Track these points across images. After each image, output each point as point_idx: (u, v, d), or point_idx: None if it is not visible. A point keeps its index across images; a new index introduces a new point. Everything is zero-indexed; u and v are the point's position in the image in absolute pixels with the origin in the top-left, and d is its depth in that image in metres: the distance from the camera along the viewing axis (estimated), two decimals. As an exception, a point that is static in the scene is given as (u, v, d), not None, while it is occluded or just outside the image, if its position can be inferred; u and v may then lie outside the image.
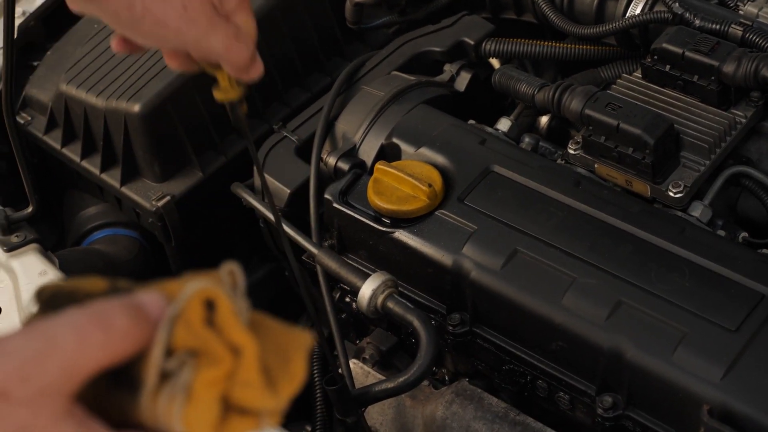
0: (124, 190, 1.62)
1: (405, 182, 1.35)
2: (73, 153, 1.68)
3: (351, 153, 1.46)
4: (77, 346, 0.65)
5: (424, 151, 1.40)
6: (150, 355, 0.68)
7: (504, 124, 1.49)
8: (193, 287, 0.69)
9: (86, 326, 0.66)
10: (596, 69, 1.57)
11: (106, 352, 0.66)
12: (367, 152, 1.45)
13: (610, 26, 1.51)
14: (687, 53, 1.36)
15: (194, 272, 0.71)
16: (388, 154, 1.44)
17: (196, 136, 1.60)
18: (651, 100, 1.38)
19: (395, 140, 1.44)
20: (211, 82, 1.59)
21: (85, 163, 1.67)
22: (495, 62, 1.63)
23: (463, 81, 1.58)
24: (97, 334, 0.66)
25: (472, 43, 1.59)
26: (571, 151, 1.38)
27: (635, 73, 1.43)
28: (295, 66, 1.71)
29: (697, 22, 1.43)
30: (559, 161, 1.43)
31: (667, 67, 1.38)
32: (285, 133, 1.54)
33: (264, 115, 1.67)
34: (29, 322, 0.69)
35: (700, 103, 1.36)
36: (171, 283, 0.71)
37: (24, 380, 0.64)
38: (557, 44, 1.57)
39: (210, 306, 0.69)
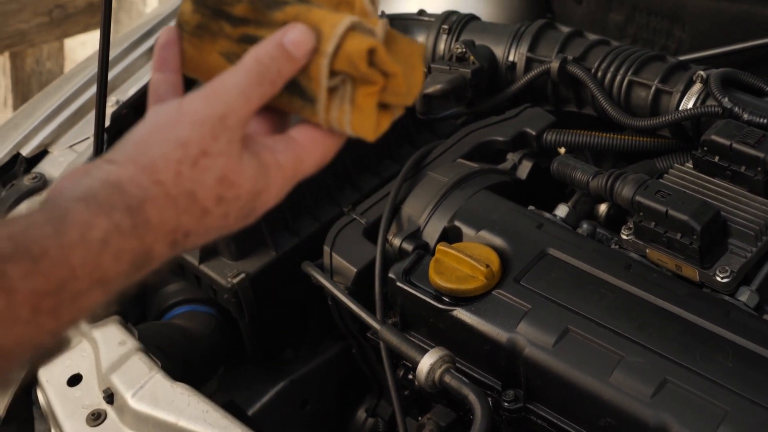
0: (203, 267, 1.71)
1: (465, 263, 1.42)
2: (157, 232, 1.78)
3: (415, 235, 1.54)
4: (245, 104, 0.90)
5: (484, 234, 1.48)
6: (317, 79, 0.90)
7: (562, 210, 1.56)
8: (344, 26, 0.90)
9: (250, 88, 0.90)
10: (652, 160, 1.64)
11: (265, 98, 0.92)
12: (431, 234, 1.53)
13: (664, 119, 1.58)
14: (735, 145, 1.43)
15: None
16: (451, 236, 1.52)
17: (270, 217, 1.69)
18: (701, 189, 1.44)
19: (457, 223, 1.51)
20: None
21: (167, 242, 1.76)
22: (563, 151, 1.71)
23: (524, 169, 1.66)
24: (258, 90, 0.91)
25: (533, 133, 1.68)
26: (624, 237, 1.45)
27: (687, 164, 1.50)
28: (367, 153, 1.81)
29: (746, 116, 1.49)
30: (613, 246, 1.50)
31: (716, 157, 1.45)
32: (354, 216, 1.63)
33: (336, 199, 1.76)
34: (182, 14, 0.96)
35: (747, 193, 1.42)
36: (313, 11, 0.92)
37: (215, 138, 0.89)
38: (615, 136, 1.65)
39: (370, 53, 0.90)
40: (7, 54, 3.73)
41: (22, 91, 3.80)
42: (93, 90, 2.00)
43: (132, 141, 0.89)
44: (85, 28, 3.81)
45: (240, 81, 0.91)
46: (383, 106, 0.94)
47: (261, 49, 0.92)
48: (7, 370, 0.80)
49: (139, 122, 0.91)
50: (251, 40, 0.93)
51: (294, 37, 0.92)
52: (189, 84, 0.97)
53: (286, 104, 0.95)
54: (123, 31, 2.17)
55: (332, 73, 0.91)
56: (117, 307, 1.65)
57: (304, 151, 0.95)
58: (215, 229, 0.91)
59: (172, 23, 0.98)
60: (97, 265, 0.82)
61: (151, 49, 2.09)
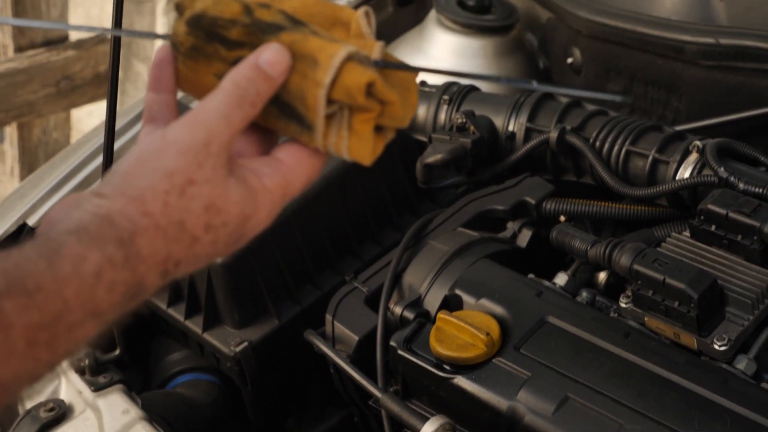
0: (206, 336, 1.73)
1: (465, 331, 1.43)
2: (160, 301, 1.80)
3: (416, 303, 1.55)
4: (227, 128, 0.92)
5: (485, 302, 1.49)
6: (314, 109, 0.92)
7: (561, 279, 1.58)
8: (341, 56, 0.91)
9: (231, 112, 0.92)
10: (650, 228, 1.65)
11: (247, 120, 0.93)
12: (432, 302, 1.55)
13: (661, 189, 1.60)
14: (730, 214, 1.45)
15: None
16: (451, 304, 1.53)
17: (273, 286, 1.71)
18: (698, 258, 1.46)
19: (458, 291, 1.53)
20: (288, 236, 1.72)
21: (171, 311, 1.78)
22: (562, 220, 1.72)
23: (524, 238, 1.68)
24: (239, 113, 0.92)
25: (533, 202, 1.70)
26: (623, 305, 1.46)
27: (684, 233, 1.52)
28: (368, 222, 1.83)
29: (741, 185, 1.52)
30: (612, 314, 1.51)
31: (713, 226, 1.47)
32: (356, 284, 1.65)
33: (337, 268, 1.78)
34: (175, 35, 0.96)
35: (744, 261, 1.44)
36: (309, 39, 0.94)
37: (200, 166, 0.90)
38: (613, 205, 1.67)
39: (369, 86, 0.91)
40: (14, 124, 3.77)
41: (29, 161, 3.85)
42: (99, 160, 2.03)
43: (119, 173, 0.91)
44: (92, 99, 3.86)
45: (220, 105, 0.92)
46: (378, 129, 0.95)
47: (238, 71, 0.94)
48: (4, 403, 0.81)
49: (126, 154, 0.93)
50: None
51: (269, 57, 0.93)
52: None
53: (282, 128, 0.96)
54: (129, 101, 2.20)
55: (330, 102, 0.93)
56: (120, 375, 1.67)
57: (291, 172, 0.96)
58: (205, 257, 0.92)
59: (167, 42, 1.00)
60: (91, 297, 0.83)
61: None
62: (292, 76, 0.94)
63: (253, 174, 0.95)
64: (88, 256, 0.83)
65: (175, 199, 0.89)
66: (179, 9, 0.98)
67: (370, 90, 0.92)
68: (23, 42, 3.67)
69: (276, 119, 0.95)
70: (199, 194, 0.90)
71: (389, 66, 0.94)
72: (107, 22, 4.07)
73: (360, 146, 0.94)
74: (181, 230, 0.89)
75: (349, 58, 0.92)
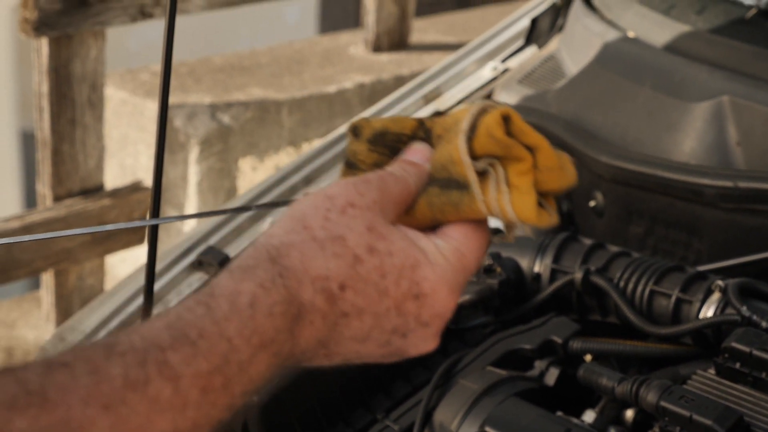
0: (240, 474, 1.75)
1: (495, 468, 1.46)
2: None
3: (447, 441, 1.58)
4: (383, 182, 0.94)
5: (514, 440, 1.52)
6: (460, 160, 0.93)
7: (589, 416, 1.61)
8: (477, 107, 0.94)
9: (385, 177, 0.95)
10: (676, 367, 1.69)
11: (404, 191, 0.95)
12: (462, 440, 1.58)
13: (685, 327, 1.64)
14: (755, 352, 1.48)
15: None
16: (481, 442, 1.56)
17: (306, 425, 1.74)
18: (723, 395, 1.49)
19: (487, 429, 1.56)
20: (321, 375, 1.76)
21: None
22: (589, 359, 1.76)
23: (552, 376, 1.71)
24: (392, 181, 0.95)
25: (560, 341, 1.74)
26: (651, 441, 1.49)
27: (710, 370, 1.55)
28: (399, 361, 1.86)
29: (764, 323, 1.55)
30: (641, 451, 1.54)
31: (737, 364, 1.50)
32: (387, 423, 1.68)
33: (369, 406, 1.81)
34: (354, 154, 1.00)
35: (768, 398, 1.47)
36: (455, 113, 0.97)
37: (361, 194, 0.91)
38: (638, 343, 1.71)
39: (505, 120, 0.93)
40: (51, 271, 3.86)
41: (64, 307, 3.91)
42: (136, 304, 2.09)
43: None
44: (126, 245, 3.94)
45: (386, 186, 0.94)
46: (545, 195, 0.95)
47: (395, 172, 0.96)
48: None
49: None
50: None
51: (413, 152, 0.98)
52: None
53: (447, 208, 0.96)
54: (163, 247, 2.27)
55: (476, 158, 0.94)
56: None
57: (462, 245, 0.94)
58: (373, 286, 0.87)
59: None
60: (254, 330, 0.82)
61: (192, 265, 2.19)
62: (443, 147, 0.98)
63: (420, 237, 0.93)
64: (241, 288, 0.83)
65: (336, 215, 0.88)
66: (356, 131, 1.02)
67: (509, 128, 0.93)
68: (61, 191, 3.79)
69: (438, 198, 0.96)
70: (361, 215, 0.89)
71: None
72: (141, 172, 4.20)
73: (522, 201, 0.92)
74: (343, 246, 0.87)
75: (485, 109, 0.95)
